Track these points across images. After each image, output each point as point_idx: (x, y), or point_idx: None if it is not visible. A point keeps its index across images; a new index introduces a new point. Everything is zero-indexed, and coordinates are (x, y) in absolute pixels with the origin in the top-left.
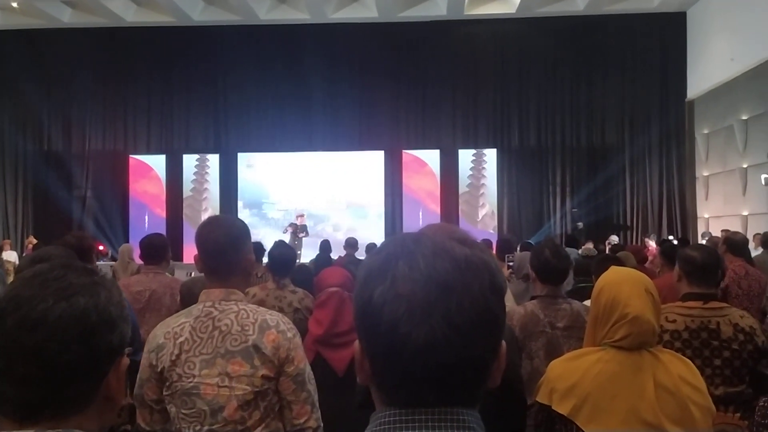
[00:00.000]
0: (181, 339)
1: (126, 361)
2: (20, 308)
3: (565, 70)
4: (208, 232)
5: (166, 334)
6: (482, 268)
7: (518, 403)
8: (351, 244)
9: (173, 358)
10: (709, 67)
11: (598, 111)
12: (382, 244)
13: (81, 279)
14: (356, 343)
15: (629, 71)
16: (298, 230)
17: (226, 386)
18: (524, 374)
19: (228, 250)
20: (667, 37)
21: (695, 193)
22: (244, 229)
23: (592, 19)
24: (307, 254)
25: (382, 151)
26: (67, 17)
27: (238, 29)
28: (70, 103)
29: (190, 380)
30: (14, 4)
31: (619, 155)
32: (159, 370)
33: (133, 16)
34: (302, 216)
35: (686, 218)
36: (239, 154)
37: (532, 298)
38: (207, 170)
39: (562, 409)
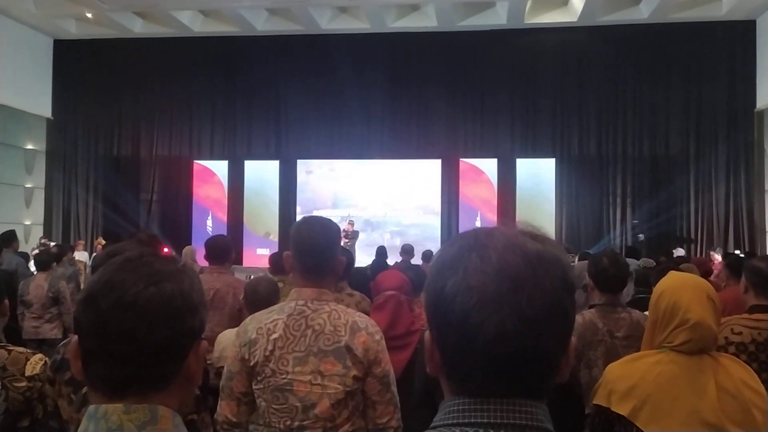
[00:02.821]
0: (275, 335)
1: (205, 344)
2: (113, 291)
3: (628, 79)
4: (307, 231)
5: (258, 330)
6: (554, 264)
7: (576, 407)
8: (407, 250)
9: (267, 353)
10: None
11: (662, 120)
12: (455, 237)
13: (167, 266)
14: (426, 333)
15: (695, 80)
16: (348, 236)
17: (318, 384)
18: (582, 383)
19: (325, 251)
20: (736, 45)
21: (764, 207)
22: (337, 231)
23: (656, 27)
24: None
25: (439, 160)
26: (138, 27)
27: (299, 39)
28: (138, 110)
29: (283, 376)
30: (89, 15)
31: (684, 166)
32: (251, 364)
33: (200, 27)
34: (350, 222)
35: (754, 232)
36: (299, 161)
37: (590, 306)
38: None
39: (622, 410)
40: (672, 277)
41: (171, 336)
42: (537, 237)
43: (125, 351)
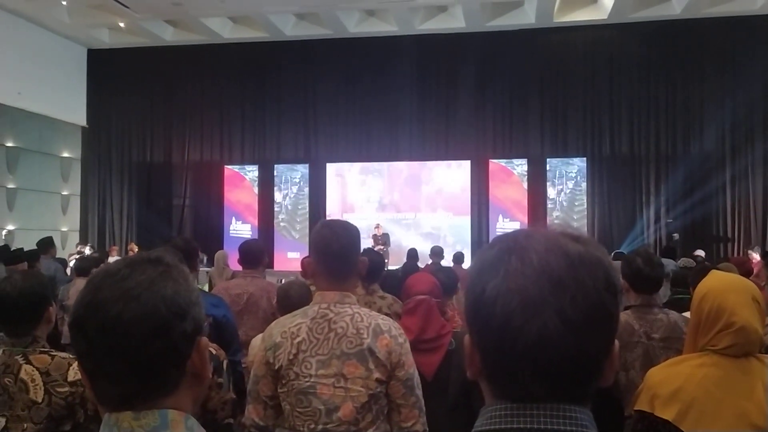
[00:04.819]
0: (299, 339)
1: (205, 340)
2: (97, 314)
3: (660, 76)
4: (330, 235)
5: (283, 334)
6: (596, 265)
7: (616, 411)
8: (437, 252)
9: (290, 357)
10: None
11: (696, 117)
12: (495, 240)
13: (146, 275)
14: (466, 337)
15: (730, 76)
16: (380, 241)
17: (341, 387)
18: (620, 386)
19: (349, 253)
20: None
21: None
22: (358, 233)
23: (689, 23)
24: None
25: (469, 161)
26: (169, 35)
27: (327, 42)
28: (170, 116)
29: (306, 380)
30: (121, 24)
31: (720, 163)
32: (276, 368)
33: (229, 33)
34: (378, 226)
35: None
36: (328, 164)
37: (626, 308)
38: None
39: (667, 414)
40: (715, 278)
41: (164, 346)
42: (578, 238)
43: (122, 370)
